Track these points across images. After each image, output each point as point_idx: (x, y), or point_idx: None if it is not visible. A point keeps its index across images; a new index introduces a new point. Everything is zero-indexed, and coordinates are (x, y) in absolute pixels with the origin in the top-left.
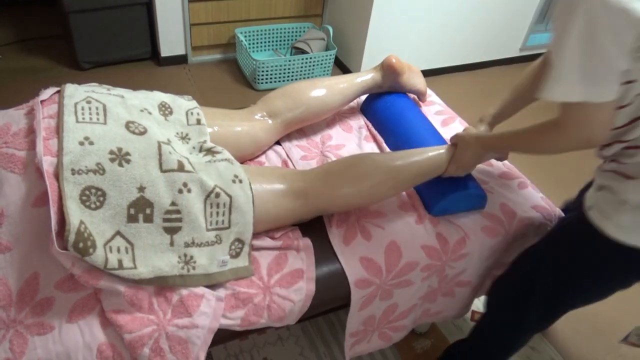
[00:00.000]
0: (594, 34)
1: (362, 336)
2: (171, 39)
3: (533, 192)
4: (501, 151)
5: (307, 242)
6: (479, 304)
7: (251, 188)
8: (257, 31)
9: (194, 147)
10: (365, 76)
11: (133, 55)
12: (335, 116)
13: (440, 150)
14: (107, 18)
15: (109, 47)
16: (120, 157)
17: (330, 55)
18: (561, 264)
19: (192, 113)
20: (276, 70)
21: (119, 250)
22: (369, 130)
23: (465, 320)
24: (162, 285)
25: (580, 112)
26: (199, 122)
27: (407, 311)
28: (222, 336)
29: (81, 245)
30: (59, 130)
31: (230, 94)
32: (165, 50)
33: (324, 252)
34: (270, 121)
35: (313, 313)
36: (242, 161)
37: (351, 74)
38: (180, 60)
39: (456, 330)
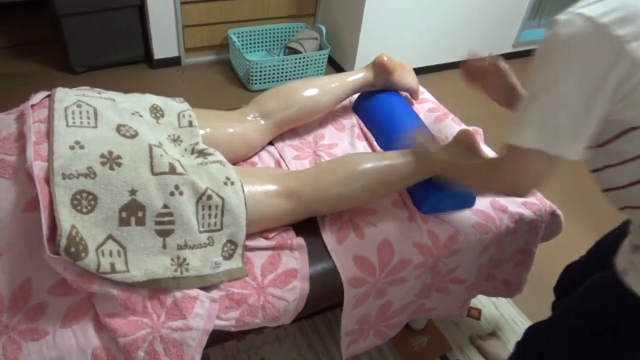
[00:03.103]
0: (556, 82)
1: (358, 335)
2: (164, 41)
3: None
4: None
5: (300, 241)
6: (475, 300)
7: (243, 190)
8: (250, 32)
9: (185, 150)
10: (357, 75)
11: (126, 58)
12: (328, 115)
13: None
14: (100, 21)
15: (102, 51)
16: (111, 160)
17: (324, 54)
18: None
19: (183, 115)
20: (270, 70)
21: (111, 254)
22: (361, 129)
23: (462, 317)
24: (155, 288)
25: (520, 158)
26: (190, 124)
27: (402, 308)
28: (218, 337)
29: (73, 249)
30: (49, 135)
31: (224, 95)
32: (159, 53)
33: (317, 251)
34: (262, 122)
35: (308, 312)
36: (235, 162)
37: (343, 73)
38: (174, 62)
39: (453, 327)
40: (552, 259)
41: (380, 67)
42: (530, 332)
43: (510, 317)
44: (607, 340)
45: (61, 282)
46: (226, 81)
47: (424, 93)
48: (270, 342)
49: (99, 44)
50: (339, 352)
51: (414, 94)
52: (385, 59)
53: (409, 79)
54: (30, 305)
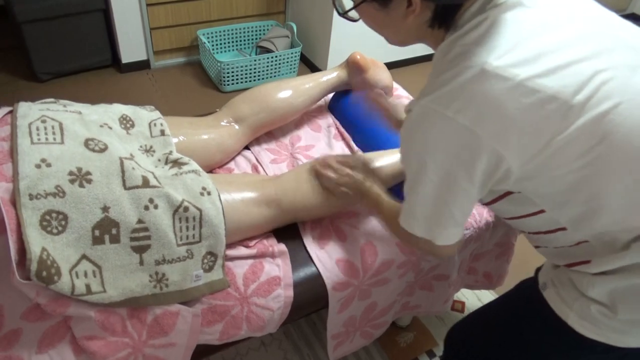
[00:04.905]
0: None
1: (345, 337)
2: (131, 44)
3: None
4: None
5: (282, 248)
6: (459, 293)
7: (220, 199)
8: (220, 32)
9: (159, 160)
10: (330, 75)
11: (93, 64)
12: (304, 116)
13: None
14: (63, 27)
15: (67, 57)
16: (81, 177)
17: (296, 52)
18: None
19: (155, 124)
20: (242, 70)
21: (86, 274)
22: (338, 129)
23: (446, 311)
24: (134, 306)
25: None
26: (162, 133)
27: (387, 308)
28: (203, 351)
29: (45, 273)
30: (13, 154)
31: (197, 98)
32: (126, 57)
33: (300, 256)
34: (237, 126)
35: (293, 319)
36: (211, 169)
37: (317, 73)
38: (143, 65)
39: (438, 322)
40: (532, 250)
41: (353, 66)
42: (454, 328)
43: None
44: (517, 343)
45: (35, 306)
46: (198, 83)
47: (397, 89)
48: (256, 348)
49: (63, 51)
50: (325, 354)
51: (388, 90)
52: (359, 57)
53: (383, 76)
54: (3, 333)
